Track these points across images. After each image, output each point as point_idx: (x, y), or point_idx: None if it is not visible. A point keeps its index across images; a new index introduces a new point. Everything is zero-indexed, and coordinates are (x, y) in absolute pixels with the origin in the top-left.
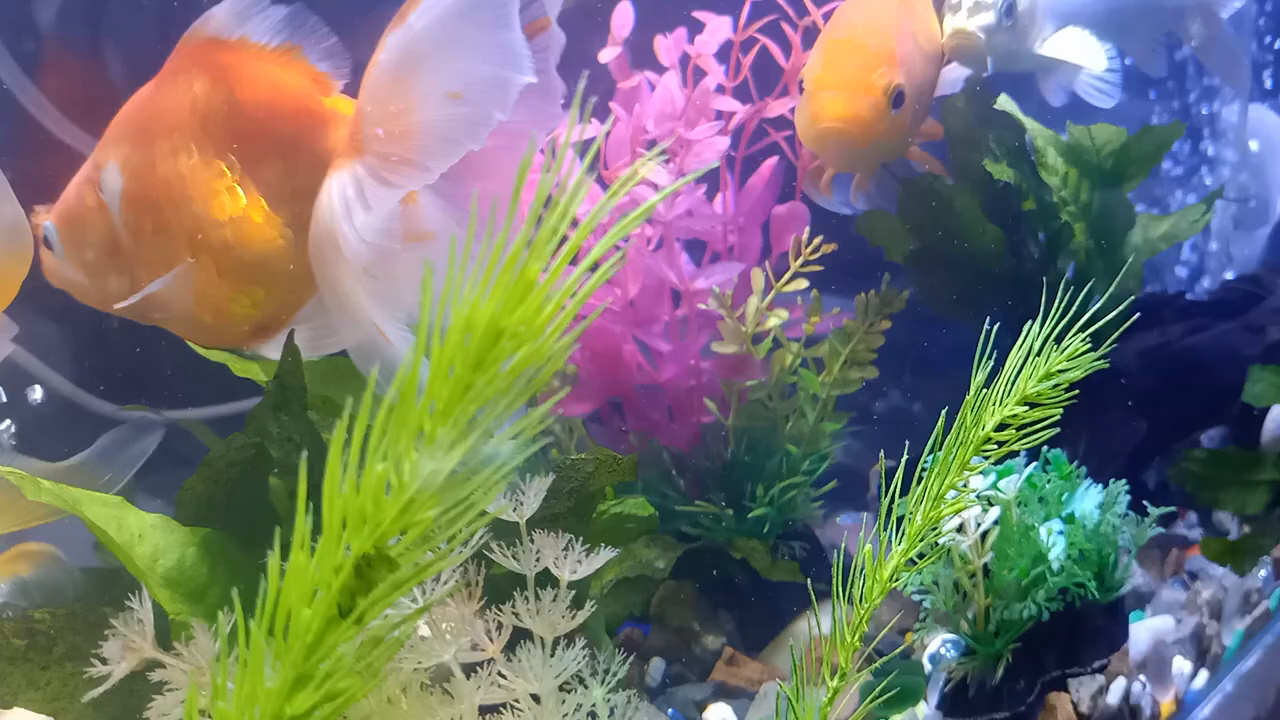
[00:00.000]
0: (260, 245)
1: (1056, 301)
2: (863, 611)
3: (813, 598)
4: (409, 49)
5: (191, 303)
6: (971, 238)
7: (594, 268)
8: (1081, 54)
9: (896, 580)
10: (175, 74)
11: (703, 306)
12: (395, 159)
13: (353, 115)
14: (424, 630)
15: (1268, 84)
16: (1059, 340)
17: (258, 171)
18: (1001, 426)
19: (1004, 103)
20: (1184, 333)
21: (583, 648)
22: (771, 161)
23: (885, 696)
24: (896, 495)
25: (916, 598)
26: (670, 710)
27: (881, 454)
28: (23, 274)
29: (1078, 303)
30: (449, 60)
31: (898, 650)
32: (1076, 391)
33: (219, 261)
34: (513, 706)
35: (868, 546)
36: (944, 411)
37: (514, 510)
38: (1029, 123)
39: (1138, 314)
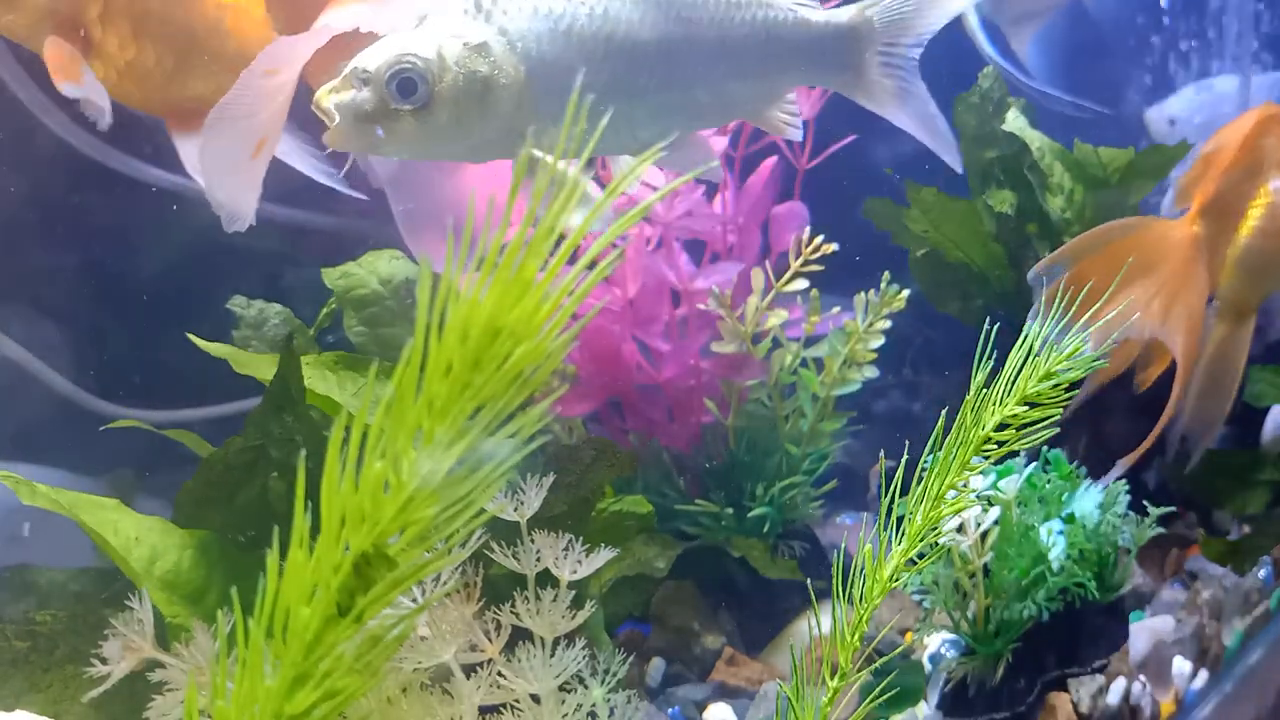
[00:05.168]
0: (249, 38)
1: (1057, 301)
2: (863, 611)
3: (813, 597)
4: None
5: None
6: (975, 250)
7: (591, 265)
8: None
9: (896, 580)
10: None
11: (702, 307)
12: None
13: None
14: (424, 630)
15: None
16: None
17: None
18: (1002, 426)
19: (1012, 120)
20: None
21: (583, 648)
22: (771, 161)
23: (885, 696)
24: (896, 495)
25: (916, 598)
26: (670, 710)
27: (881, 454)
28: None
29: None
30: None
31: (898, 650)
32: (1077, 391)
33: (199, 37)
34: (513, 706)
35: (868, 546)
36: (944, 411)
37: (514, 510)
38: (1036, 137)
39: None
